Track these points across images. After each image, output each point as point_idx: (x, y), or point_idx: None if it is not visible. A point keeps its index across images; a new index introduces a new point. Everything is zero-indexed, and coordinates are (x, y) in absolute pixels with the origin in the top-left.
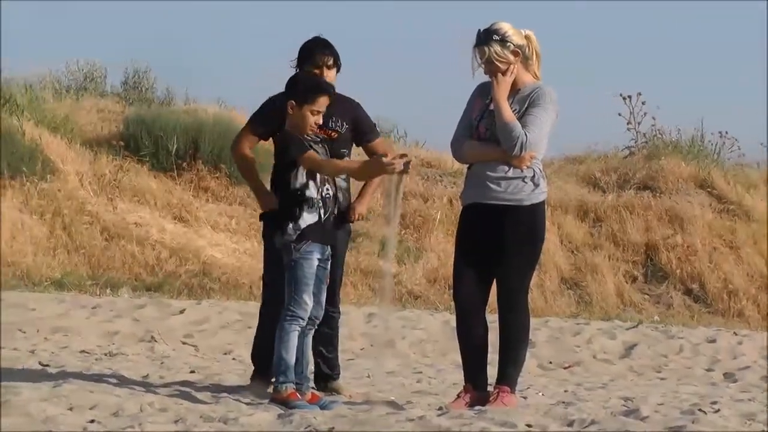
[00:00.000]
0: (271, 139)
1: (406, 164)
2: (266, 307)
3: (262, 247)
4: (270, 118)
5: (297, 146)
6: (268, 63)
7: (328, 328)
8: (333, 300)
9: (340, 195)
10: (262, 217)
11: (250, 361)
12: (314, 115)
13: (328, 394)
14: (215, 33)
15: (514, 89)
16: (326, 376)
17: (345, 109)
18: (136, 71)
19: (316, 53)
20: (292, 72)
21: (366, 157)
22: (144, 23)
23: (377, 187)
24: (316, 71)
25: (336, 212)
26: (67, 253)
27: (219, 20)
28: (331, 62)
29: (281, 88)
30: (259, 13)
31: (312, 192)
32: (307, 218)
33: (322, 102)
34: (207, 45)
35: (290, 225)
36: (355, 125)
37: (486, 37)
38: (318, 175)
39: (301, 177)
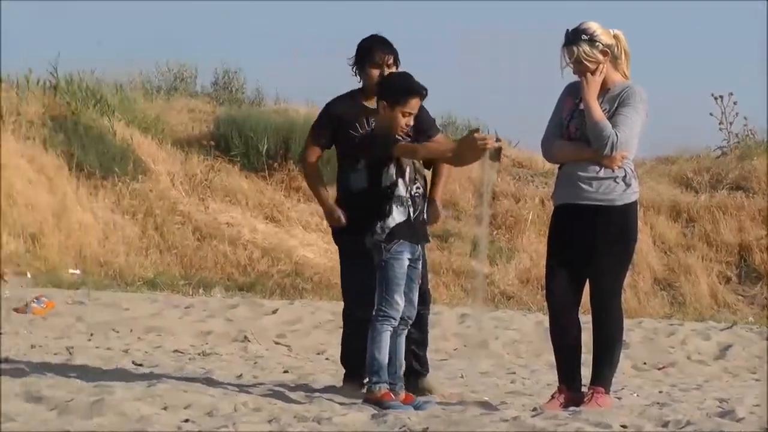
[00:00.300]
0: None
1: (498, 150)
2: (348, 311)
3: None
4: (329, 126)
5: (386, 141)
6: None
7: (418, 325)
8: (423, 298)
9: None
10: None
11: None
12: (405, 117)
13: (420, 393)
14: (304, 33)
15: (604, 89)
16: (417, 373)
17: None
18: (226, 71)
19: (376, 51)
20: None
21: (425, 164)
22: (233, 23)
23: (444, 188)
24: (376, 70)
25: (425, 212)
26: (160, 253)
27: (306, 20)
28: (391, 61)
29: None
30: (345, 14)
31: (401, 190)
32: (396, 217)
33: (414, 104)
34: (296, 44)
35: (379, 223)
36: (416, 122)
37: (574, 36)
38: (407, 174)
39: (392, 175)
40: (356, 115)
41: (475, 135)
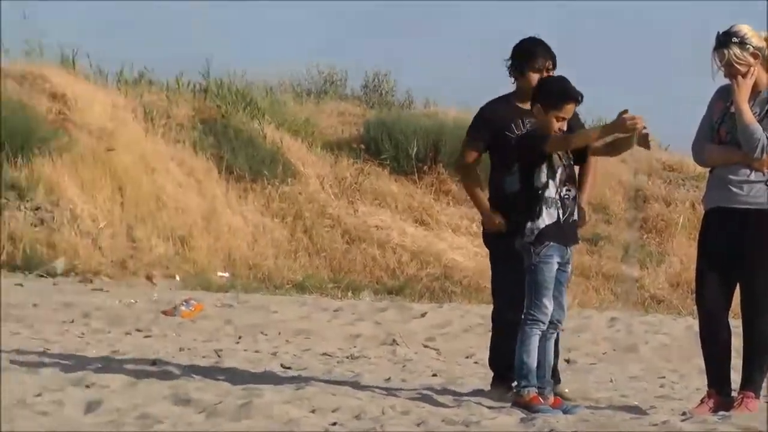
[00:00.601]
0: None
1: (645, 136)
2: (498, 313)
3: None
4: (485, 129)
5: (540, 138)
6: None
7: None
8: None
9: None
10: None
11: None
12: (559, 122)
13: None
14: (453, 35)
15: (755, 92)
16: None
17: None
18: (376, 74)
19: (538, 57)
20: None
21: (577, 159)
22: (383, 27)
23: (590, 192)
24: (536, 74)
25: (575, 215)
26: (309, 256)
27: (455, 22)
28: (551, 66)
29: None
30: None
31: (551, 192)
32: (546, 218)
33: (569, 109)
34: (448, 47)
35: (529, 225)
36: (568, 126)
37: (725, 39)
38: (557, 175)
39: (543, 176)
40: (512, 118)
41: (625, 116)
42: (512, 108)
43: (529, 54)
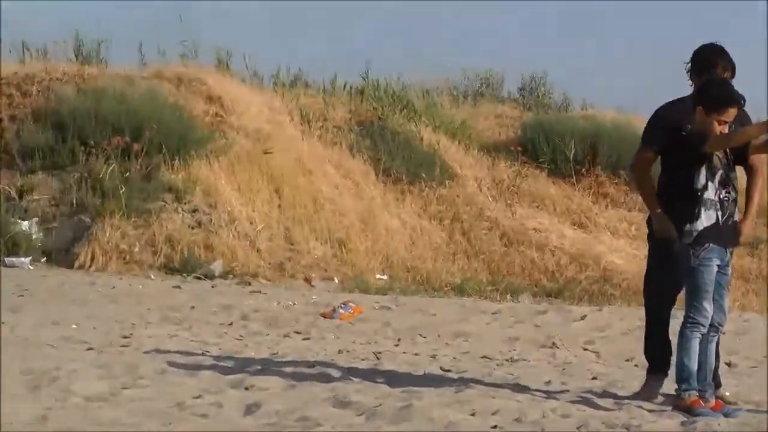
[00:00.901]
0: None
1: None
2: (649, 310)
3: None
4: (661, 132)
5: (700, 137)
6: (662, 66)
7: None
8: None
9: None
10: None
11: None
12: (720, 125)
13: None
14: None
15: None
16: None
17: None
18: (532, 77)
19: (719, 65)
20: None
21: (737, 159)
22: (539, 30)
23: (760, 200)
24: None
25: (735, 217)
26: (467, 258)
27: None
28: (729, 74)
29: (672, 94)
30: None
31: (710, 193)
32: (704, 220)
33: (731, 113)
34: (602, 51)
35: (687, 226)
36: (741, 123)
37: None
38: (716, 177)
39: (702, 178)
40: (688, 121)
41: None
42: (688, 110)
43: (709, 61)
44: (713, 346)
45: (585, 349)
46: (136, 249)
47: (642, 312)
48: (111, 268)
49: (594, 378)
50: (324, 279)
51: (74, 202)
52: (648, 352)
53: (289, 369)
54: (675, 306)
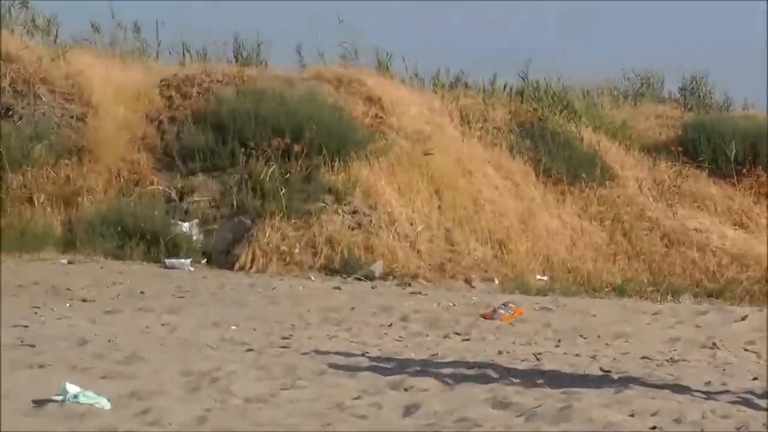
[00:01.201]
0: None
1: None
2: None
3: None
4: None
5: None
6: None
7: None
8: None
9: None
10: None
11: None
12: None
13: None
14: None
15: None
16: None
17: None
18: (693, 77)
19: None
20: None
21: None
22: (699, 29)
23: None
24: None
25: None
26: (628, 259)
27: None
28: None
29: None
30: None
31: None
32: None
33: None
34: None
35: None
36: None
37: None
38: None
39: None
40: None
41: None
42: None
43: None
44: None
45: (746, 350)
46: (296, 250)
47: None
48: (271, 269)
49: (755, 378)
50: (484, 280)
51: (234, 203)
52: None
53: (448, 370)
54: None
